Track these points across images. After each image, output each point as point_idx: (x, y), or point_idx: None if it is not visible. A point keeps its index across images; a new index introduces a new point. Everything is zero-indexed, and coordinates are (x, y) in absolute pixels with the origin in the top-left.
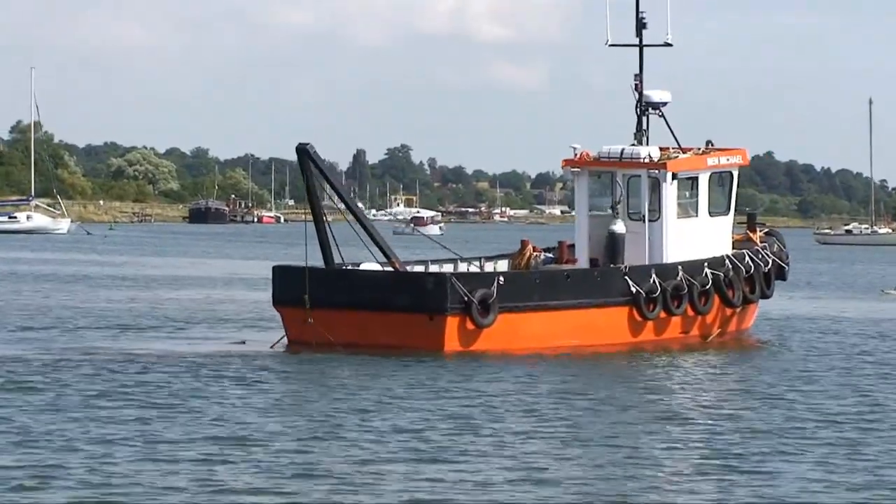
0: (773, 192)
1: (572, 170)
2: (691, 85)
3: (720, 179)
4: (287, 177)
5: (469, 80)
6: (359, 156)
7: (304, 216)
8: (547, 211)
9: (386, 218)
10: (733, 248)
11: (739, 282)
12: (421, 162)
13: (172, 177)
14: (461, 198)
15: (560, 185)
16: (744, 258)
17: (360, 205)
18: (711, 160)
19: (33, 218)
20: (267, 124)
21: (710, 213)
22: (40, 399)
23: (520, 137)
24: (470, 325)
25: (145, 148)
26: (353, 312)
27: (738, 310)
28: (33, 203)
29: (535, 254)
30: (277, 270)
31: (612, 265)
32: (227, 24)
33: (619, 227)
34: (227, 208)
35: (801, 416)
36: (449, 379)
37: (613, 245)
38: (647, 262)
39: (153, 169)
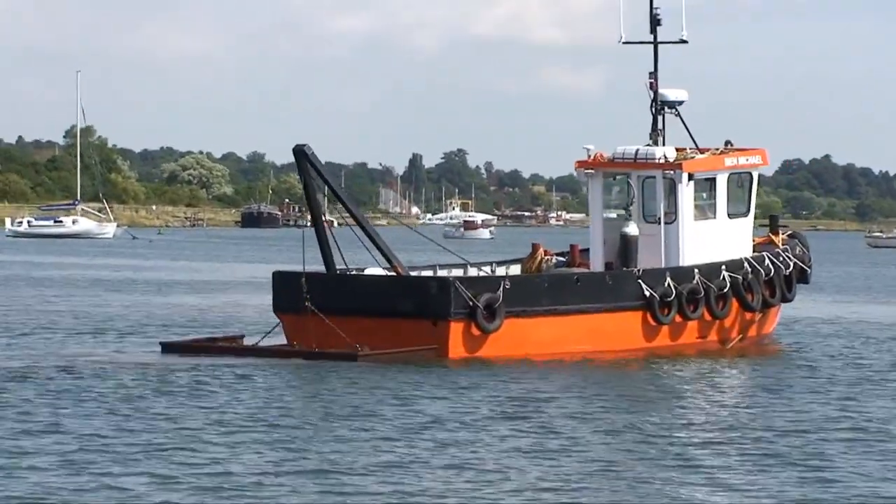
0: (831, 195)
1: (586, 171)
2: (748, 84)
3: (739, 180)
4: (342, 181)
5: (525, 85)
6: (415, 160)
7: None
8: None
9: (442, 222)
10: (754, 250)
11: (759, 285)
12: (477, 166)
13: (226, 181)
14: (517, 201)
15: (617, 188)
16: (763, 261)
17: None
18: (729, 160)
19: (79, 222)
20: (323, 129)
21: (729, 215)
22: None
23: (576, 141)
24: (475, 331)
25: (201, 153)
26: (355, 319)
27: (758, 314)
28: (79, 207)
29: (546, 258)
30: (277, 276)
31: (625, 268)
32: (284, 32)
33: (631, 229)
34: (279, 212)
35: (820, 424)
36: (450, 386)
37: (626, 248)
38: (663, 265)
39: (207, 173)
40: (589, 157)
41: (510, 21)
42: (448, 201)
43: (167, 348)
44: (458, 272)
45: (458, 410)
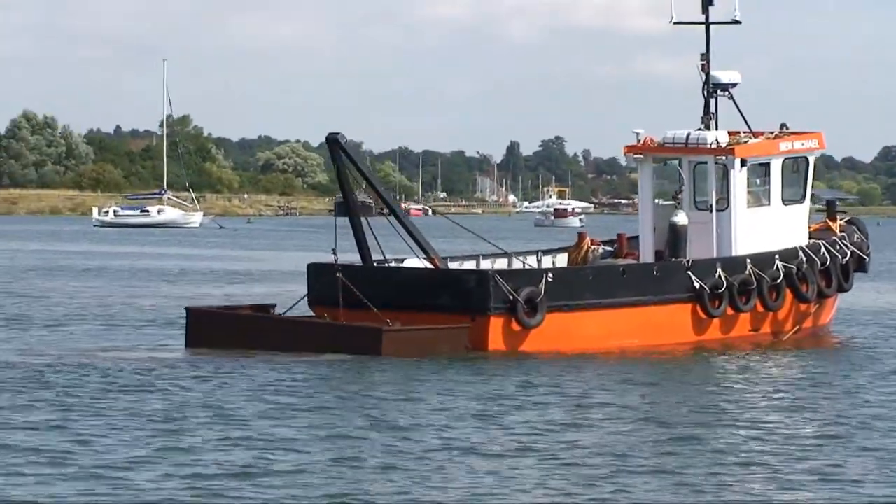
0: None
1: (635, 157)
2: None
3: (794, 165)
4: (439, 169)
5: (623, 73)
6: (513, 148)
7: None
8: None
9: (538, 210)
10: (810, 237)
11: (814, 275)
12: (575, 153)
13: (321, 169)
14: (615, 189)
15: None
16: (819, 249)
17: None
18: (784, 145)
19: (165, 211)
20: (421, 118)
21: (784, 202)
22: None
23: (674, 129)
24: (515, 326)
25: (298, 141)
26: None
27: (813, 305)
28: (166, 197)
29: (592, 247)
30: (312, 268)
31: (674, 259)
32: (382, 21)
33: (681, 217)
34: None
35: (880, 419)
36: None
37: (675, 237)
38: (714, 255)
39: (302, 162)
40: (639, 141)
41: (607, 9)
42: (545, 189)
43: (193, 314)
44: (502, 263)
45: (490, 410)
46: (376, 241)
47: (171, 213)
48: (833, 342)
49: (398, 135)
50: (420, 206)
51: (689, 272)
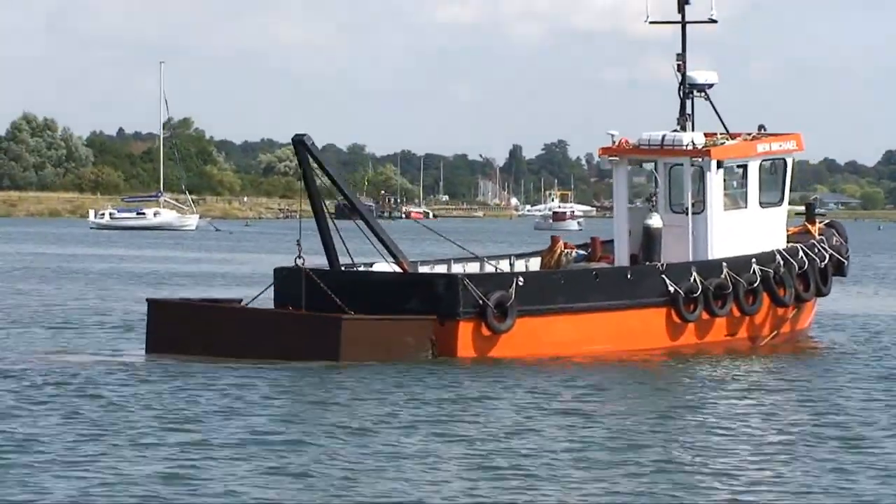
0: None
1: (610, 158)
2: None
3: (772, 167)
4: (441, 172)
5: (627, 76)
6: (515, 151)
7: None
8: None
9: (540, 213)
10: (789, 241)
11: (792, 279)
12: (578, 157)
13: (321, 172)
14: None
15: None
16: (797, 253)
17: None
18: (762, 146)
19: (161, 214)
20: (423, 121)
21: (762, 204)
22: None
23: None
24: (485, 331)
25: None
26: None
27: (791, 309)
28: (162, 199)
29: (566, 251)
30: (278, 273)
31: (648, 262)
32: (386, 23)
33: (655, 220)
34: (373, 204)
35: (855, 430)
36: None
37: (649, 241)
38: (690, 259)
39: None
40: (613, 143)
41: (612, 13)
42: (547, 192)
43: (154, 305)
44: (474, 267)
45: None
46: (344, 244)
47: (166, 216)
48: (810, 347)
49: (401, 138)
50: (420, 210)
51: (663, 276)
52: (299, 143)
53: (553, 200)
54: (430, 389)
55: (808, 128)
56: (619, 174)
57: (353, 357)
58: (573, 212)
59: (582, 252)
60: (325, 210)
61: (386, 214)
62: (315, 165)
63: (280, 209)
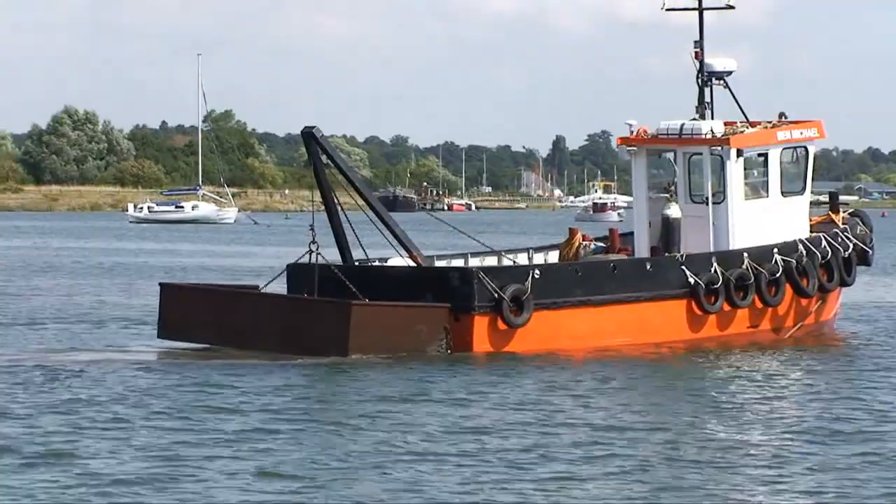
0: None
1: (628, 148)
2: None
3: (794, 155)
4: (484, 164)
5: (672, 67)
6: (558, 142)
7: (354, 204)
8: None
9: (584, 204)
10: (812, 230)
11: (815, 269)
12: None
13: (364, 164)
14: (661, 182)
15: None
16: (820, 243)
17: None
18: (782, 134)
19: (199, 207)
20: (467, 112)
21: (783, 194)
22: None
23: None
24: (501, 325)
25: (344, 137)
26: None
27: (815, 300)
28: (201, 193)
29: (584, 243)
30: (292, 269)
31: (667, 253)
32: (430, 15)
33: (674, 211)
34: (415, 196)
35: (883, 422)
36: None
37: (668, 231)
38: (711, 249)
39: (345, 157)
40: (632, 133)
41: (657, 3)
42: (591, 183)
43: (166, 289)
44: (492, 261)
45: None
46: (357, 238)
47: (204, 209)
48: (835, 339)
49: (445, 129)
50: (462, 202)
51: (683, 267)
52: (309, 135)
53: (596, 191)
54: (445, 386)
55: (852, 117)
56: (638, 164)
57: (363, 344)
58: (614, 203)
59: (600, 244)
60: (337, 204)
61: (428, 206)
62: (327, 159)
63: (321, 202)
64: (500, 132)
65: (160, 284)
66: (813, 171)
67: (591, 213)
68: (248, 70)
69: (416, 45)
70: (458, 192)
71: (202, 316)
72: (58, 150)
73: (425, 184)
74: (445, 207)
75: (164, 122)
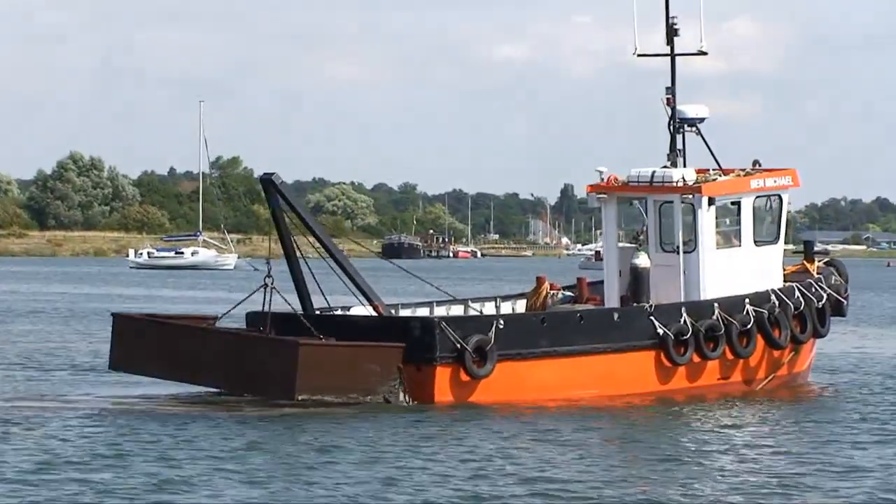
0: None
1: (598, 196)
2: None
3: (767, 204)
4: (492, 211)
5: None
6: (566, 190)
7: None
8: None
9: (590, 252)
10: (786, 280)
11: (787, 319)
12: None
13: (371, 212)
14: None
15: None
16: (793, 293)
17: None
18: (756, 182)
19: (199, 253)
20: (476, 160)
21: (756, 243)
22: None
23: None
24: (464, 376)
25: (352, 183)
26: None
27: (787, 351)
28: (201, 239)
29: (552, 292)
30: (250, 317)
31: (636, 303)
32: (438, 62)
33: (642, 260)
34: (420, 243)
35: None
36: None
37: (637, 281)
38: (682, 299)
39: (351, 204)
40: (602, 180)
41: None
42: (598, 231)
43: (118, 319)
44: (457, 310)
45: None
46: (318, 285)
47: (204, 255)
48: (807, 391)
49: (453, 177)
50: (468, 249)
51: (651, 317)
52: (267, 182)
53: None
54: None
55: (861, 166)
56: (609, 212)
57: (312, 386)
58: None
59: (569, 293)
60: (297, 250)
61: (433, 253)
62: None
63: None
64: (509, 180)
65: (112, 314)
66: (787, 219)
67: (594, 260)
68: (258, 117)
69: (425, 92)
70: (464, 240)
71: (153, 348)
72: (63, 195)
73: (431, 231)
74: (451, 255)
75: (172, 169)
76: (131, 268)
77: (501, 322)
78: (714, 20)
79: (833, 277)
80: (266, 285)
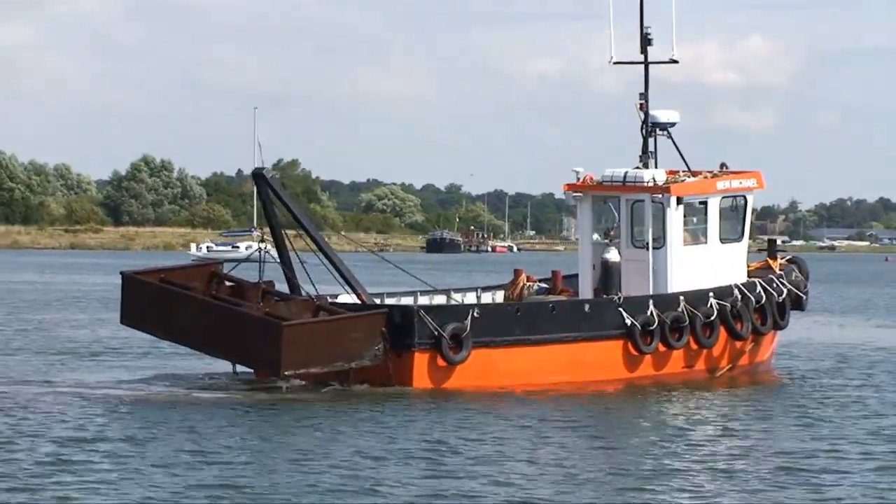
0: None
1: (574, 195)
2: None
3: (733, 204)
4: (529, 210)
5: (703, 123)
6: None
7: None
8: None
9: None
10: (750, 276)
11: (749, 312)
12: None
13: (417, 210)
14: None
15: (782, 216)
16: (755, 287)
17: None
18: (722, 184)
19: (252, 247)
20: (516, 163)
21: (722, 240)
22: None
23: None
24: (441, 362)
25: (403, 185)
26: None
27: (748, 342)
28: (255, 234)
29: (528, 284)
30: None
31: (606, 295)
32: (484, 74)
33: (612, 255)
34: (460, 239)
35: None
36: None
37: (607, 274)
38: (651, 292)
39: (400, 203)
40: (578, 179)
41: (690, 65)
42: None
43: (127, 279)
44: (440, 300)
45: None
46: (308, 276)
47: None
48: (766, 379)
49: (495, 178)
50: (505, 244)
51: (620, 308)
52: (259, 176)
53: None
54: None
55: (865, 169)
56: (584, 210)
57: (297, 361)
58: None
59: (544, 285)
60: (287, 241)
61: (473, 248)
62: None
63: (375, 243)
64: (546, 181)
65: (121, 273)
66: (751, 218)
67: None
68: (317, 123)
69: (470, 102)
70: (502, 236)
71: (155, 309)
72: (136, 194)
73: (472, 227)
74: (489, 249)
75: (239, 170)
76: (193, 261)
77: (477, 311)
78: (730, 38)
79: (794, 274)
80: (260, 249)
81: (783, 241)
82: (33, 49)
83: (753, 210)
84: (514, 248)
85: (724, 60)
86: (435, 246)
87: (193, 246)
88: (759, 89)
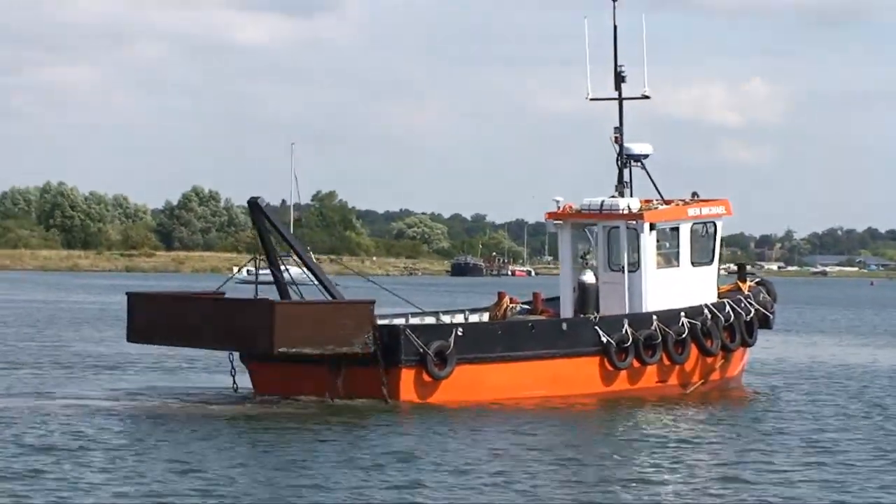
0: None
1: (555, 222)
2: None
3: (704, 229)
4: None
5: (706, 159)
6: None
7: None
8: (765, 266)
9: None
10: (720, 297)
11: (718, 331)
12: None
13: (444, 237)
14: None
15: (778, 244)
16: (724, 307)
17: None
18: (693, 210)
19: (289, 270)
20: (536, 193)
21: (693, 263)
22: None
23: (746, 206)
24: (426, 377)
25: (433, 214)
26: (310, 366)
27: (718, 358)
28: (292, 259)
29: (511, 305)
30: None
31: (582, 315)
32: (508, 111)
33: (588, 277)
34: (483, 263)
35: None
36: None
37: (584, 295)
38: (626, 312)
39: (428, 230)
40: (558, 208)
41: (696, 104)
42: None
43: (131, 297)
44: (430, 320)
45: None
46: (300, 295)
47: (293, 272)
48: (736, 393)
49: (517, 208)
50: (524, 269)
51: (596, 327)
52: (254, 205)
53: None
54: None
55: (854, 201)
56: (564, 236)
57: (288, 338)
58: None
59: (526, 306)
60: (281, 264)
61: (494, 272)
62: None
63: (405, 267)
64: None
65: (126, 293)
66: (721, 244)
67: None
68: (353, 156)
69: (495, 137)
70: (521, 261)
71: (160, 320)
72: (186, 222)
73: (494, 253)
74: (510, 273)
75: (283, 201)
76: (236, 283)
77: (460, 330)
78: (732, 82)
79: (761, 295)
80: (255, 258)
81: (779, 267)
82: (98, 88)
83: (722, 239)
84: (532, 272)
85: (726, 101)
86: (459, 270)
87: (235, 269)
88: (759, 128)
